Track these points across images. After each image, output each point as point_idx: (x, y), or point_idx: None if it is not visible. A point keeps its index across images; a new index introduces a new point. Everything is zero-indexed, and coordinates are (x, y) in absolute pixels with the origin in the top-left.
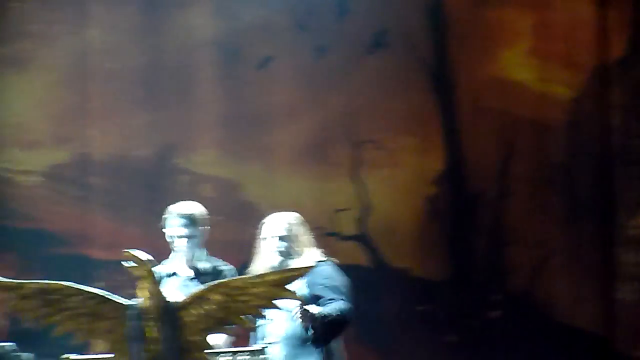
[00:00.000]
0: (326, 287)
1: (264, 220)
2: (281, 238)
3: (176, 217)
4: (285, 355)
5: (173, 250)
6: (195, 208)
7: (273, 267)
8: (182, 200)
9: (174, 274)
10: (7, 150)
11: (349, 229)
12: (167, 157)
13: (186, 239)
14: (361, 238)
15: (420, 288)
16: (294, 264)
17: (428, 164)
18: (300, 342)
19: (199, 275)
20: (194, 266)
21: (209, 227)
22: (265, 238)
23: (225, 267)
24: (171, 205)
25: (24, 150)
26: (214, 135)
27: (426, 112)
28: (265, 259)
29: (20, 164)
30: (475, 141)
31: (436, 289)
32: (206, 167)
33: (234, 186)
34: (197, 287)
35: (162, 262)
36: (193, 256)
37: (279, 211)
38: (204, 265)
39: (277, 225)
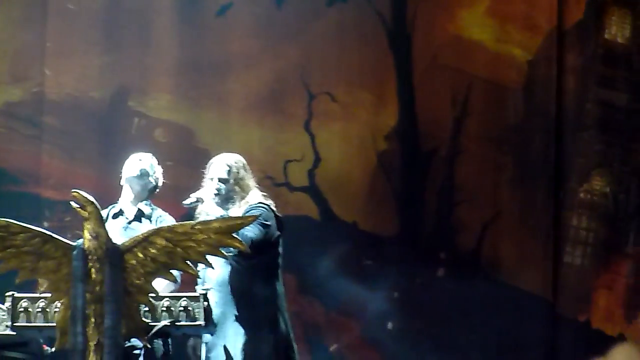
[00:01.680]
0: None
1: (210, 161)
2: (222, 180)
3: (134, 165)
4: (217, 302)
5: (124, 193)
6: (151, 159)
7: (213, 210)
8: (133, 143)
9: (120, 213)
10: None
11: (300, 180)
12: (122, 99)
13: (139, 184)
14: (311, 190)
15: (368, 242)
16: (233, 207)
17: (382, 120)
18: (231, 289)
19: (141, 217)
20: (138, 209)
21: (158, 178)
22: (208, 179)
23: (166, 215)
24: (132, 155)
25: None
26: (170, 80)
27: (382, 68)
28: (206, 201)
29: None
30: (430, 99)
31: (384, 244)
32: (160, 112)
33: (187, 132)
34: (140, 231)
35: (110, 206)
36: (140, 199)
37: (230, 153)
38: (147, 210)
39: (218, 167)
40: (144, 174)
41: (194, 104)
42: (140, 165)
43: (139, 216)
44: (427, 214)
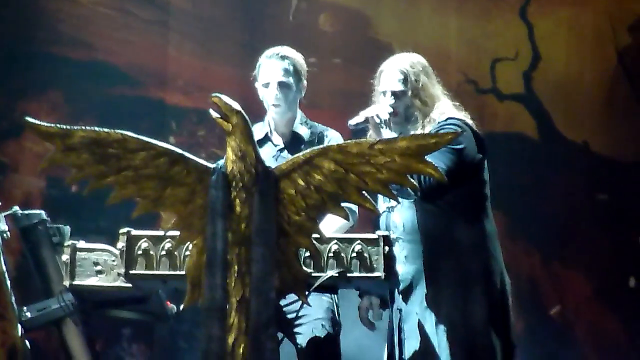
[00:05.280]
0: None
1: (380, 69)
2: (396, 94)
3: (275, 61)
4: (407, 257)
5: (267, 108)
6: (299, 56)
7: (387, 135)
8: (290, 33)
9: (266, 138)
10: None
11: (512, 85)
12: None
13: (286, 93)
14: (527, 98)
15: (602, 169)
16: (415, 128)
17: (626, 3)
18: (426, 238)
19: (297, 143)
20: (291, 131)
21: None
22: (379, 92)
23: (332, 133)
24: (268, 50)
25: None
26: None
27: None
28: (380, 122)
29: None
30: None
31: (625, 173)
32: None
33: (361, 19)
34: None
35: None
36: (291, 118)
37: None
38: (304, 130)
39: (390, 76)
40: (295, 90)
41: None
42: (288, 64)
43: (295, 141)
44: None
